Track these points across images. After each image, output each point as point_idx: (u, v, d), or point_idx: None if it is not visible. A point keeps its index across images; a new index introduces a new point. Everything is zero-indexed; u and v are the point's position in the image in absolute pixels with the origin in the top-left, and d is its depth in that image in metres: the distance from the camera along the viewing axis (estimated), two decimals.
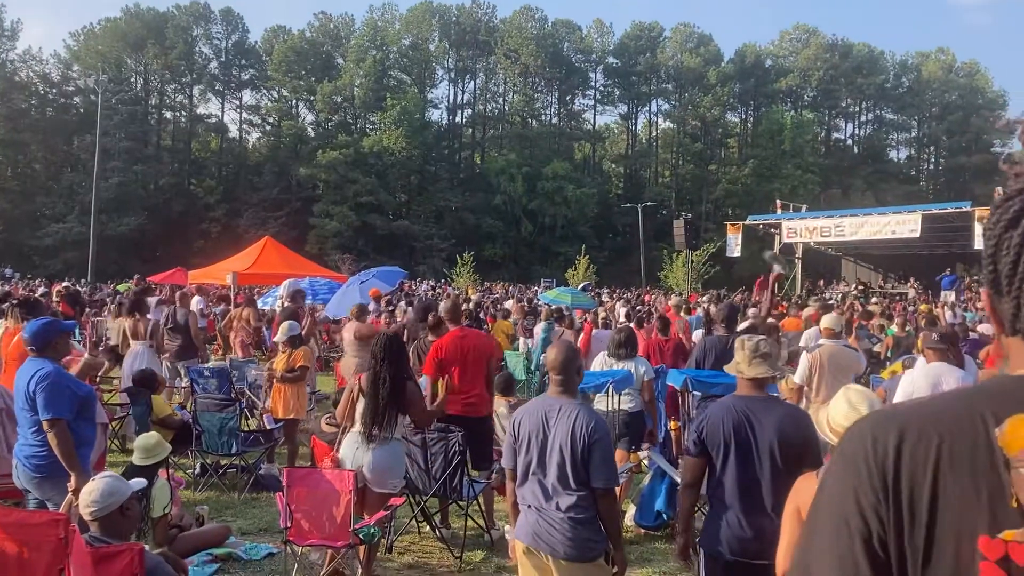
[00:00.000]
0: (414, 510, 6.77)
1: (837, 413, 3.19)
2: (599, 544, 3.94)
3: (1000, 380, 1.06)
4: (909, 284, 33.40)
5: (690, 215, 50.61)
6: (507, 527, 4.32)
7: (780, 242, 37.08)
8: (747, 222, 39.09)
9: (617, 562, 4.01)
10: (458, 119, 78.45)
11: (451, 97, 77.96)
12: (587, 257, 45.20)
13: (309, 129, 72.56)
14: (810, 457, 3.82)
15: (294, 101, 73.18)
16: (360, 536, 5.35)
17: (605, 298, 29.61)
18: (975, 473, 0.98)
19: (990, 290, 1.06)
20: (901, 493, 1.01)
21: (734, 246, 38.32)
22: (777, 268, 9.72)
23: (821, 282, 37.50)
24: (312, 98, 70.57)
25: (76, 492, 4.61)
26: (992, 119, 74.52)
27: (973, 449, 0.98)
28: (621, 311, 20.68)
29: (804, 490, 3.17)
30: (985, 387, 1.07)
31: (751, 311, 15.65)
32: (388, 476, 5.68)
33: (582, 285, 32.96)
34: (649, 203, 59.36)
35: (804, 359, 7.68)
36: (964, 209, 30.80)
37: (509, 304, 22.37)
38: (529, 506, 4.00)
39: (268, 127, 73.43)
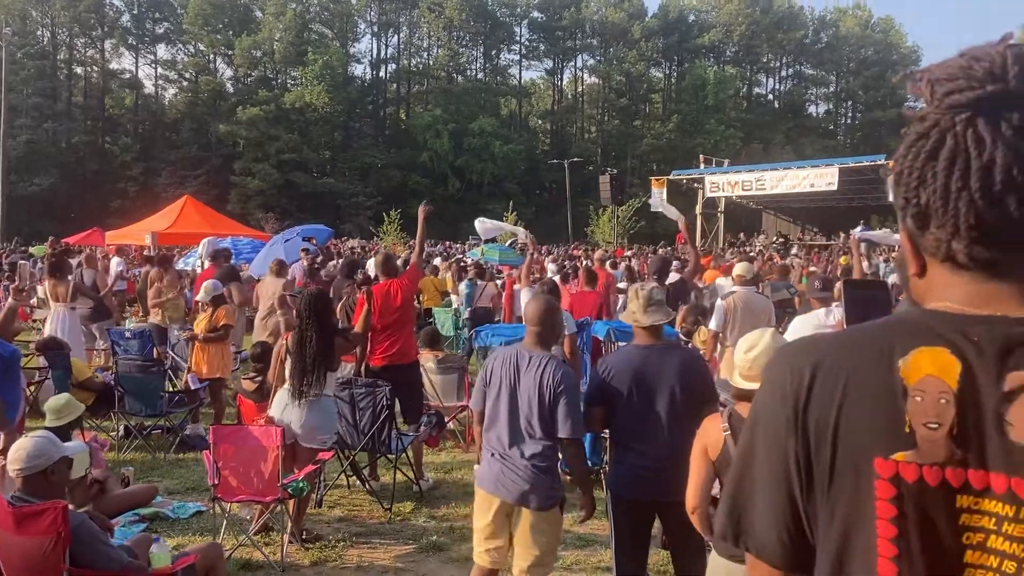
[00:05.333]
0: (343, 464, 6.83)
1: (737, 351, 3.38)
2: (558, 493, 4.11)
3: (913, 313, 1.14)
4: (833, 237, 34.29)
5: (616, 170, 50.98)
6: (477, 467, 4.46)
7: (703, 196, 37.78)
8: (671, 177, 39.65)
9: (585, 505, 4.21)
10: (382, 74, 77.15)
11: (374, 51, 76.62)
12: (515, 213, 45.18)
13: (228, 85, 70.42)
14: (710, 398, 4.02)
15: (211, 56, 70.79)
16: (289, 491, 5.40)
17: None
18: (877, 401, 1.07)
19: (912, 226, 1.13)
20: (809, 420, 1.10)
21: (658, 202, 38.81)
22: (674, 216, 9.91)
23: (742, 235, 38.34)
24: (230, 53, 68.40)
25: (3, 452, 4.54)
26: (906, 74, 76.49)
27: (878, 379, 1.07)
28: (550, 267, 20.86)
29: (710, 430, 3.33)
30: (898, 319, 1.15)
31: (675, 264, 15.99)
32: (318, 432, 5.73)
33: (509, 242, 33.06)
34: (576, 159, 59.47)
35: (719, 305, 7.95)
36: (879, 162, 31.80)
37: (436, 261, 22.35)
38: (492, 454, 4.11)
39: (185, 83, 70.99)
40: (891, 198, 1.19)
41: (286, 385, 5.71)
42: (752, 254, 27.67)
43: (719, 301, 8.23)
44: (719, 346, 7.84)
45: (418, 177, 66.13)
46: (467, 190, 67.77)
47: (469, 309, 13.28)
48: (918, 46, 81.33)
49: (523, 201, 60.49)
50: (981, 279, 1.09)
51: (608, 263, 16.78)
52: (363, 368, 7.18)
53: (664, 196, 38.20)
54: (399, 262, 9.09)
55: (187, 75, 70.68)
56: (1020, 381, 1.02)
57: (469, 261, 21.39)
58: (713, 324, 7.94)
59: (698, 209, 39.64)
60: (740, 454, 1.22)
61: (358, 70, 75.19)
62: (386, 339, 7.04)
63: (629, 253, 26.68)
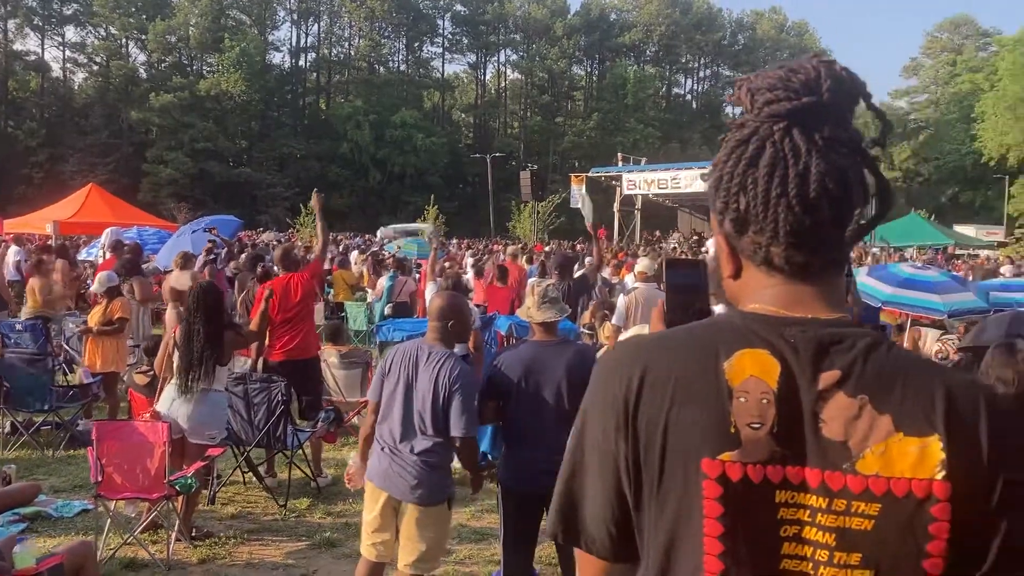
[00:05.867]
0: (238, 460, 6.71)
1: None
2: (446, 490, 4.12)
3: (734, 315, 1.18)
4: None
5: (536, 167, 51.27)
6: (354, 455, 4.43)
7: (621, 194, 38.27)
8: (590, 174, 40.08)
9: (473, 484, 4.39)
10: (301, 63, 75.90)
11: (294, 40, 75.34)
12: (436, 207, 45.03)
13: (141, 70, 68.20)
14: None
15: (124, 40, 68.38)
16: (176, 487, 5.28)
17: (452, 248, 29.68)
18: (704, 403, 1.10)
19: (731, 229, 1.17)
20: (639, 423, 1.13)
21: (578, 197, 39.24)
22: (588, 219, 10.21)
23: (658, 233, 38.95)
24: (143, 37, 66.25)
25: None
26: None
27: (704, 382, 1.11)
28: (468, 260, 20.88)
29: None
30: (721, 322, 1.19)
31: (588, 259, 16.19)
32: (206, 427, 5.62)
33: (428, 235, 32.93)
34: (498, 154, 59.47)
35: (621, 301, 8.08)
36: None
37: (353, 255, 22.13)
38: (383, 448, 4.09)
39: (95, 67, 68.38)
40: (709, 202, 1.23)
41: (174, 379, 5.58)
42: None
43: (621, 297, 8.37)
44: None
45: (338, 168, 65.33)
46: (388, 182, 67.25)
47: (390, 304, 13.14)
48: (831, 50, 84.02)
49: (446, 195, 60.22)
50: (794, 281, 1.15)
51: (524, 258, 16.88)
52: (261, 363, 7.06)
53: (584, 192, 38.70)
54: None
55: (97, 59, 68.07)
56: (832, 380, 1.07)
57: (387, 254, 21.24)
58: (615, 319, 8.07)
59: (616, 207, 40.12)
60: (570, 453, 1.24)
61: (277, 58, 74.06)
62: (285, 333, 6.93)
63: (548, 248, 26.82)
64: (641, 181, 36.68)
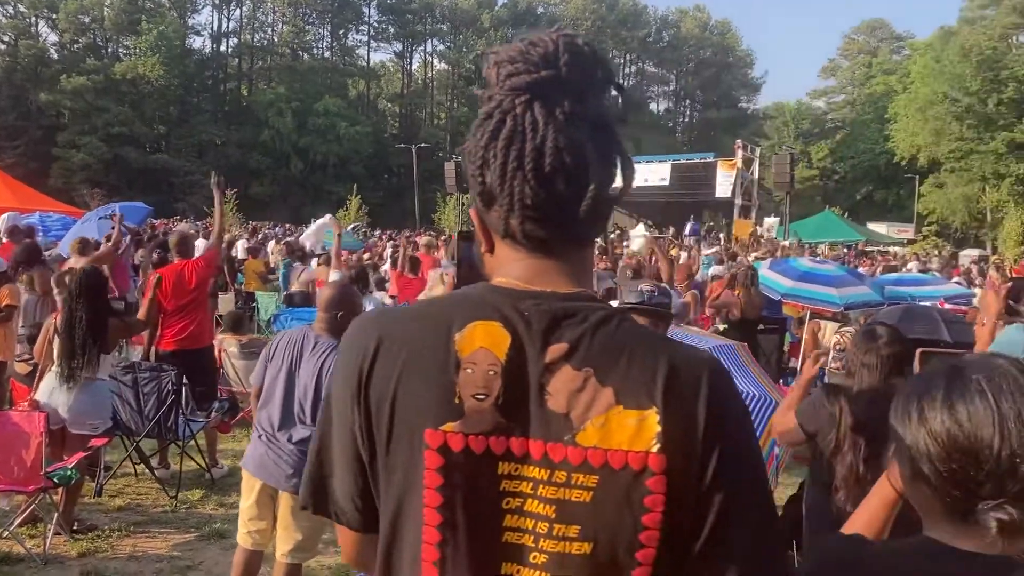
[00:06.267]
0: (128, 451, 6.52)
1: None
2: None
3: (477, 288, 1.17)
4: (664, 231, 35.65)
5: (462, 158, 51.04)
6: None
7: None
8: None
9: None
10: (223, 48, 74.17)
11: (215, 24, 73.56)
12: (359, 197, 44.57)
13: (52, 51, 65.68)
14: None
15: (33, 19, 65.81)
16: (55, 479, 5.10)
17: (373, 240, 29.40)
18: (433, 374, 1.10)
19: (480, 204, 1.17)
20: (370, 392, 1.13)
21: None
22: None
23: None
24: (54, 17, 63.84)
25: None
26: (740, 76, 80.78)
27: (435, 353, 1.10)
28: (388, 251, 20.74)
29: None
30: (463, 294, 1.18)
31: None
32: (87, 417, 5.44)
33: (352, 226, 32.64)
34: (424, 144, 59.14)
35: None
36: (708, 160, 33.36)
37: (271, 244, 21.76)
38: (260, 436, 4.02)
39: (2, 46, 65.57)
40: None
41: (54, 367, 5.40)
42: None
43: None
44: None
45: (259, 156, 64.14)
46: (311, 171, 66.25)
47: (285, 292, 12.88)
48: (752, 50, 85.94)
49: (370, 185, 59.68)
50: (535, 256, 1.15)
51: (444, 249, 16.82)
52: (153, 352, 6.87)
53: None
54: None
55: (4, 38, 65.31)
56: (559, 353, 1.08)
57: (303, 243, 20.91)
58: None
59: None
60: (319, 423, 1.23)
61: (197, 43, 72.25)
62: (178, 322, 6.74)
63: None
64: None
